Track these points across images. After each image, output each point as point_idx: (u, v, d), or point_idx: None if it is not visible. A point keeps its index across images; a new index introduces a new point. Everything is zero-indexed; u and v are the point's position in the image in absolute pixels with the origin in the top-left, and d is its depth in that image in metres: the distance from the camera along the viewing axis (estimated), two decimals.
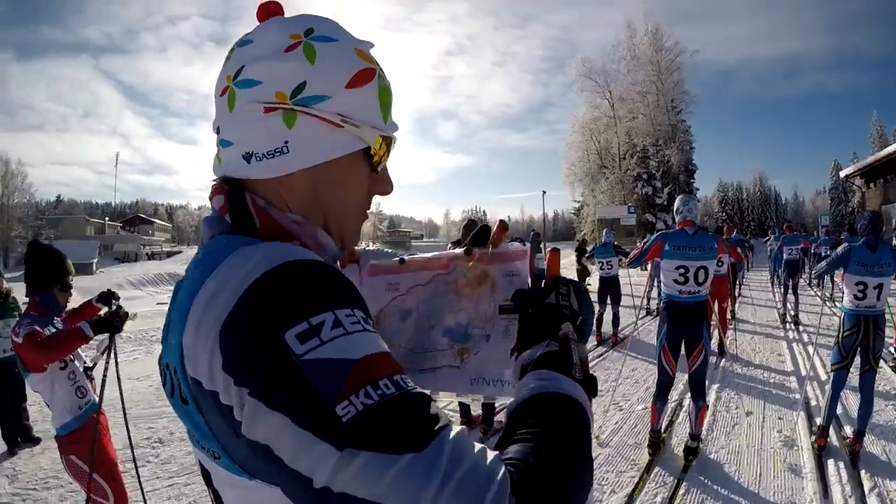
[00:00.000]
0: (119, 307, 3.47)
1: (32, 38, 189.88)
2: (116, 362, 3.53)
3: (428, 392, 0.65)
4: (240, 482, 0.70)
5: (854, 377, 4.98)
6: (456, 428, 0.60)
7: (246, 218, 0.80)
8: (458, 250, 1.03)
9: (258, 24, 0.84)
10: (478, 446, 0.59)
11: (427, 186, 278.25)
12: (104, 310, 3.53)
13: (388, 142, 0.89)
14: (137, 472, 3.65)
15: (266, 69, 0.78)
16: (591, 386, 0.76)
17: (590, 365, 0.82)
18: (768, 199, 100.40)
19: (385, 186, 0.93)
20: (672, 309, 5.02)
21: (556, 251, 0.97)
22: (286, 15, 0.85)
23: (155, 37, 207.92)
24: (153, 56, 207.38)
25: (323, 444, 0.55)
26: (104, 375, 3.45)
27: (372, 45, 0.86)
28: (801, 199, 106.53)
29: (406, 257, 1.08)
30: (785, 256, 12.35)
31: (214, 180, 0.87)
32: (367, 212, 0.93)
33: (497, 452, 0.61)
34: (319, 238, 0.83)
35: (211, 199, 0.85)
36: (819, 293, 14.02)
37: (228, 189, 0.83)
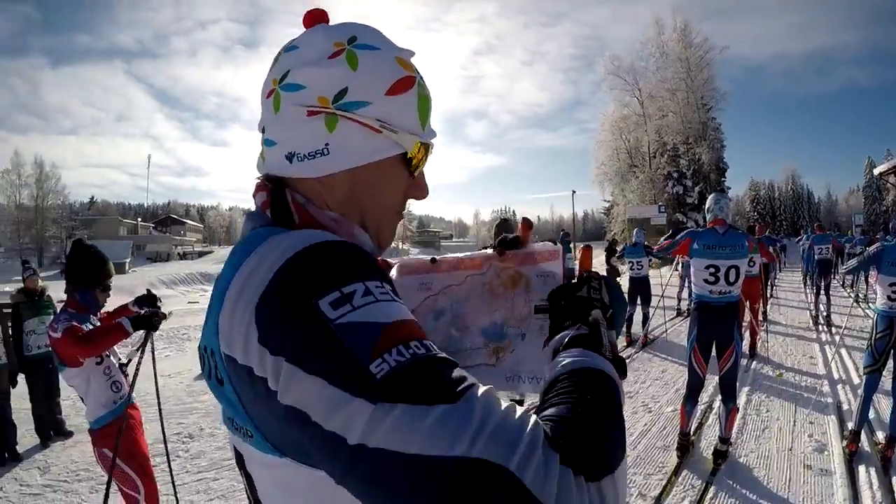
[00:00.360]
0: (159, 308, 3.55)
1: (66, 44, 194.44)
2: (154, 358, 3.63)
3: None
4: (271, 461, 0.71)
5: (887, 381, 4.88)
6: (485, 385, 0.62)
7: (285, 213, 0.84)
8: (490, 251, 1.05)
9: (305, 30, 0.88)
10: (507, 402, 0.61)
11: (457, 186, 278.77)
12: (141, 311, 3.59)
13: (426, 148, 0.92)
14: (170, 466, 3.73)
15: (310, 74, 0.82)
16: (620, 366, 0.77)
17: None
18: (801, 198, 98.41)
19: (420, 191, 0.96)
20: (703, 309, 4.94)
21: (588, 248, 0.99)
22: (331, 22, 0.90)
23: (185, 41, 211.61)
24: (184, 60, 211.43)
25: (357, 399, 0.57)
26: (136, 371, 3.54)
27: (413, 54, 0.90)
28: (835, 197, 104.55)
29: (437, 257, 1.11)
30: (816, 256, 12.14)
31: (258, 178, 0.91)
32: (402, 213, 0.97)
33: (528, 413, 0.61)
34: (356, 235, 0.86)
35: (254, 195, 0.89)
36: (852, 294, 13.74)
37: (270, 187, 0.87)
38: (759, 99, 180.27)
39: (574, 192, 42.94)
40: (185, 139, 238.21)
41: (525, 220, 1.07)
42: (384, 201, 0.90)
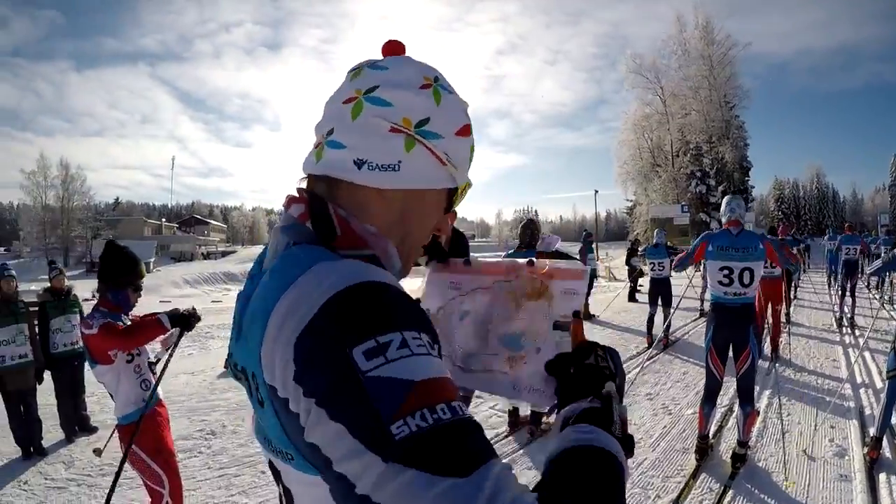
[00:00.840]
0: (194, 310, 3.61)
1: (91, 48, 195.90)
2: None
3: (477, 392, 0.78)
4: (312, 480, 0.73)
5: None
6: (502, 462, 0.62)
7: (328, 226, 0.85)
8: (522, 260, 1.09)
9: (386, 56, 0.96)
10: (520, 484, 0.62)
11: (479, 186, 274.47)
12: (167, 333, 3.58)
13: (466, 189, 1.00)
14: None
15: (400, 96, 0.88)
16: (628, 444, 0.78)
17: (629, 420, 0.84)
18: (825, 197, 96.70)
19: (446, 226, 1.03)
20: (718, 311, 4.96)
21: (579, 322, 0.99)
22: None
23: (209, 43, 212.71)
24: (208, 62, 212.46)
25: (371, 454, 0.59)
26: (164, 368, 3.61)
27: (468, 105, 0.97)
28: (860, 196, 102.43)
29: (471, 259, 1.15)
30: (843, 257, 11.96)
31: (303, 178, 0.94)
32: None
33: (536, 494, 0.62)
34: (390, 253, 0.89)
35: (287, 206, 0.90)
36: (877, 296, 13.53)
37: (308, 199, 0.89)
38: (782, 96, 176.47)
39: (597, 191, 42.94)
40: (208, 140, 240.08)
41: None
42: (424, 226, 0.96)
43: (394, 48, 0.96)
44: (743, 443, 4.92)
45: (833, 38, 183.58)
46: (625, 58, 50.21)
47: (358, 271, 0.74)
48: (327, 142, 0.90)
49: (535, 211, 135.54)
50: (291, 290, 0.73)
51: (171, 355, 3.65)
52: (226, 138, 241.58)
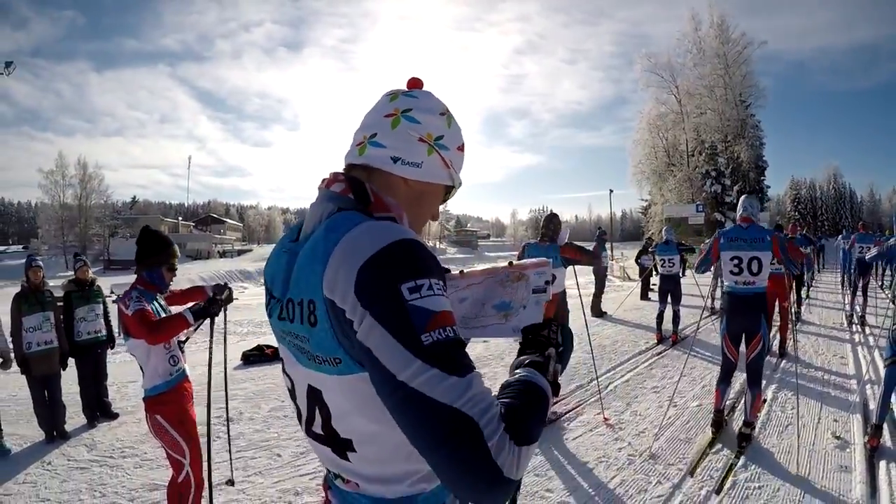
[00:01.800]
0: (216, 296, 3.77)
1: (112, 49, 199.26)
2: (225, 339, 4.45)
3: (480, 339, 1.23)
4: (353, 378, 1.07)
5: None
6: (479, 372, 0.98)
7: (364, 196, 1.22)
8: (503, 264, 1.50)
9: (410, 88, 1.35)
10: (488, 387, 0.97)
11: (495, 185, 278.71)
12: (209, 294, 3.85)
13: (457, 189, 1.42)
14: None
15: (426, 118, 1.28)
16: (555, 387, 1.16)
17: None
18: (843, 198, 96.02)
19: (438, 215, 1.48)
20: (731, 300, 5.31)
21: (550, 303, 1.37)
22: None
23: (229, 43, 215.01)
24: (227, 62, 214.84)
25: (407, 353, 0.94)
26: (210, 350, 4.17)
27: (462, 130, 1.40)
28: (878, 196, 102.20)
29: (465, 270, 1.56)
30: (856, 255, 11.91)
31: (346, 166, 1.31)
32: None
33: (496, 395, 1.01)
34: (405, 219, 1.26)
35: (329, 185, 1.25)
36: (889, 294, 13.45)
37: (347, 178, 1.25)
38: (800, 95, 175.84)
39: (612, 191, 42.82)
40: (227, 140, 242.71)
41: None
42: (426, 210, 1.36)
43: (415, 83, 1.36)
44: (749, 423, 5.23)
45: (852, 37, 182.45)
46: (639, 57, 49.89)
47: (396, 230, 1.06)
48: (370, 142, 1.27)
49: (550, 210, 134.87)
50: (351, 235, 1.06)
51: (211, 341, 4.11)
52: (244, 138, 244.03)
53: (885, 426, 5.03)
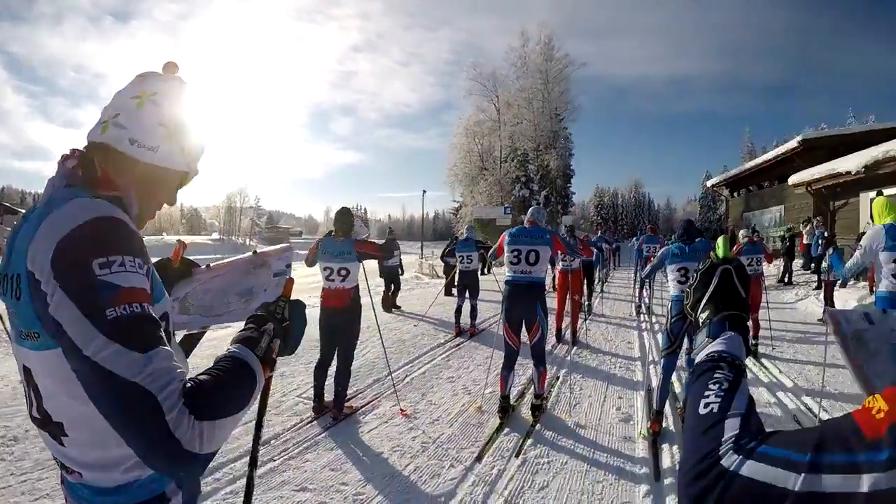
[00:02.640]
0: None
1: None
2: None
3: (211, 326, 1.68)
4: (51, 354, 1.06)
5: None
6: (167, 349, 1.03)
7: (93, 173, 1.23)
8: (249, 254, 1.66)
9: (165, 71, 1.38)
10: (174, 362, 1.02)
11: (313, 182, 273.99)
12: None
13: (192, 177, 1.45)
14: None
15: (172, 104, 1.31)
16: (267, 361, 1.20)
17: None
18: (642, 205, 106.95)
19: (174, 200, 1.44)
20: (510, 287, 5.61)
21: (290, 280, 1.49)
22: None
23: (51, 5, 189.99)
24: (47, 27, 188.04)
25: (93, 328, 0.98)
26: None
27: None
28: (674, 206, 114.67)
29: (212, 265, 1.72)
30: (645, 254, 13.10)
31: (87, 143, 1.30)
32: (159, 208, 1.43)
33: (180, 369, 1.03)
34: (132, 198, 1.28)
35: (65, 160, 1.26)
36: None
37: (80, 155, 1.26)
38: (616, 114, 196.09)
39: (424, 191, 43.10)
40: (32, 116, 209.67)
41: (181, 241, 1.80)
42: (162, 192, 1.37)
43: (170, 67, 1.38)
44: (539, 395, 5.64)
45: (673, 67, 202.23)
46: (465, 65, 51.71)
47: (102, 208, 1.10)
48: (112, 121, 1.26)
49: (365, 209, 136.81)
50: (59, 210, 1.08)
51: None
52: (53, 116, 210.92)
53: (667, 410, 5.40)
